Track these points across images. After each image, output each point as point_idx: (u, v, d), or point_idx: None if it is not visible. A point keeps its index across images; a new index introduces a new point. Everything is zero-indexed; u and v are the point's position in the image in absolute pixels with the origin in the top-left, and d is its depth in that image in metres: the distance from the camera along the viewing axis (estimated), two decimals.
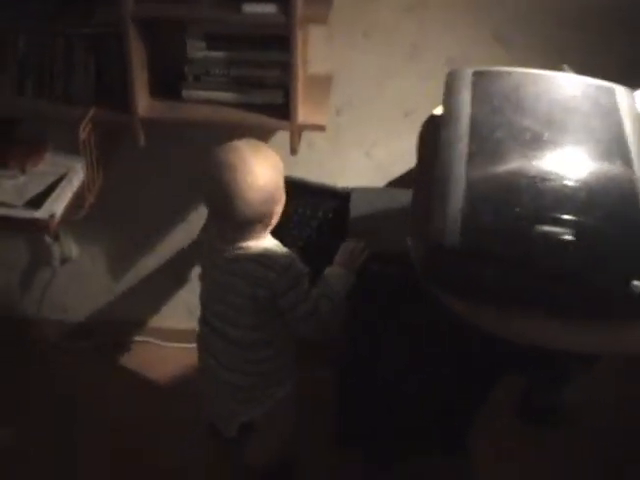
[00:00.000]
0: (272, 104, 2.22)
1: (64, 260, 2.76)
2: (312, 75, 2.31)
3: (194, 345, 2.26)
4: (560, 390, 2.20)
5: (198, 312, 2.21)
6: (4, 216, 2.19)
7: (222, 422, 2.31)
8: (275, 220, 2.03)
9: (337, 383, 2.52)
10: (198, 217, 2.60)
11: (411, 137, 2.38)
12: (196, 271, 2.70)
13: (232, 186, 1.88)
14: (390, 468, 2.52)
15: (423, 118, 2.35)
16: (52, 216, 2.20)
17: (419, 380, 2.34)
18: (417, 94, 2.37)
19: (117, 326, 2.94)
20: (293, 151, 2.23)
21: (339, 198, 2.41)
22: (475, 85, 1.79)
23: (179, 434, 2.62)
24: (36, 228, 2.21)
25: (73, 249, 2.74)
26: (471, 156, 1.58)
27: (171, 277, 2.83)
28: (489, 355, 2.11)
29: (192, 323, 2.25)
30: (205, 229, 2.18)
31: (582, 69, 1.95)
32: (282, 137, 2.32)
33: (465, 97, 1.74)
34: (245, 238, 1.99)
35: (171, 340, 2.88)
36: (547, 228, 1.43)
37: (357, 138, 2.47)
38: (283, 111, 2.20)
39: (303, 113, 2.17)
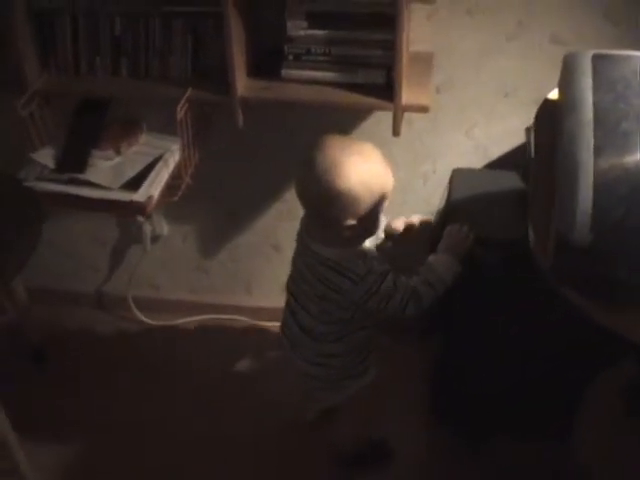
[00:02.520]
0: (374, 84, 2.16)
1: (155, 238, 2.75)
2: (413, 53, 2.23)
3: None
4: None
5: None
6: (102, 199, 2.17)
7: (303, 404, 2.35)
8: (365, 231, 1.91)
9: (435, 362, 2.51)
10: (293, 198, 2.55)
11: (511, 118, 2.35)
12: (286, 253, 2.69)
13: (317, 177, 1.78)
14: (481, 448, 2.48)
15: (524, 99, 2.32)
16: (150, 198, 2.17)
17: (522, 366, 2.29)
18: (518, 74, 2.29)
19: (206, 306, 2.92)
20: (396, 132, 2.17)
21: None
22: (595, 70, 1.70)
23: (270, 411, 2.60)
24: (134, 210, 2.18)
25: (165, 227, 2.71)
26: (598, 147, 1.50)
27: (262, 256, 2.78)
28: (602, 347, 2.03)
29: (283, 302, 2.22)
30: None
31: None
32: (382, 117, 2.27)
33: (586, 83, 1.66)
34: (329, 240, 1.90)
35: (263, 319, 2.85)
36: None
37: (457, 118, 2.40)
38: (385, 91, 2.13)
39: (406, 93, 2.11)
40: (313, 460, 2.47)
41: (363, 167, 1.78)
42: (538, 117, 1.84)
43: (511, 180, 2.35)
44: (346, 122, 2.39)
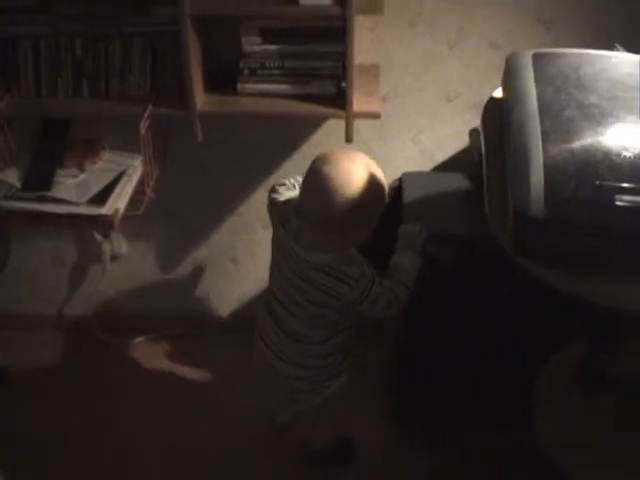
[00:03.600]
0: (326, 94, 2.28)
1: (114, 257, 2.81)
2: (360, 65, 2.36)
3: (245, 334, 2.30)
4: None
5: (246, 304, 2.24)
6: (70, 214, 2.24)
7: (275, 409, 2.39)
8: (361, 240, 1.99)
9: (396, 361, 2.59)
10: (249, 211, 2.66)
11: (455, 122, 2.49)
12: (244, 266, 2.79)
13: (332, 189, 1.85)
14: (446, 442, 2.58)
15: (466, 103, 2.46)
16: (117, 211, 2.25)
17: (479, 356, 2.40)
18: (460, 80, 2.44)
19: (167, 321, 2.98)
20: (348, 139, 2.29)
21: (391, 189, 2.47)
22: (536, 67, 1.85)
23: (236, 419, 2.66)
24: (101, 224, 2.26)
25: (124, 245, 2.78)
26: (545, 134, 1.64)
27: (220, 270, 2.87)
28: (552, 321, 2.18)
29: (243, 314, 2.29)
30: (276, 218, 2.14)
31: (630, 48, 2.02)
32: (333, 126, 2.40)
33: (529, 78, 1.80)
34: (326, 247, 1.96)
35: (225, 330, 2.92)
36: (628, 198, 1.49)
37: (403, 125, 2.53)
38: (337, 100, 2.26)
39: (357, 101, 2.23)
40: (285, 462, 2.55)
41: (372, 178, 1.89)
42: (485, 114, 1.97)
43: (458, 181, 2.49)
44: (299, 132, 2.51)
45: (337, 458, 2.56)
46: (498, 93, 1.97)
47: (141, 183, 2.37)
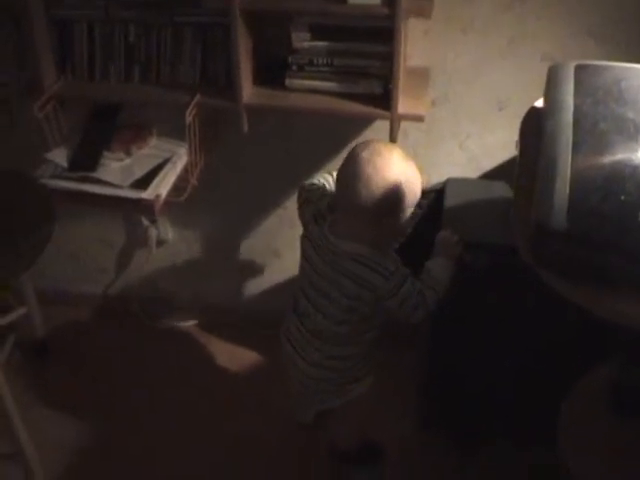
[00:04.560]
0: (372, 94, 2.28)
1: (160, 243, 2.86)
2: (410, 68, 2.36)
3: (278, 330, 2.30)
4: None
5: (286, 298, 2.28)
6: (112, 196, 2.28)
7: (299, 408, 2.37)
8: (396, 233, 2.06)
9: (423, 367, 2.57)
10: (292, 204, 2.66)
11: (504, 131, 2.46)
12: (286, 260, 2.82)
13: (369, 172, 1.89)
14: (474, 453, 2.55)
15: (517, 112, 2.39)
16: (158, 196, 2.29)
17: (512, 368, 2.37)
18: (511, 88, 2.41)
19: (208, 309, 3.02)
20: (393, 139, 2.29)
21: (434, 192, 2.46)
22: (577, 78, 1.82)
23: (263, 417, 2.68)
24: (142, 208, 2.29)
25: (170, 232, 2.82)
26: (576, 146, 1.61)
27: (263, 262, 2.90)
28: (585, 336, 2.16)
29: (282, 308, 2.31)
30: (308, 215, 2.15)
31: None
32: (380, 126, 2.37)
33: (568, 89, 1.78)
34: (362, 238, 1.98)
35: (262, 323, 2.90)
36: None
37: (451, 130, 2.51)
38: (383, 101, 2.25)
39: (403, 103, 2.22)
40: (310, 460, 2.56)
41: (408, 168, 1.93)
42: (524, 123, 1.95)
43: (502, 190, 2.46)
44: (345, 131, 2.50)
45: (361, 459, 2.54)
46: (539, 103, 1.95)
47: (185, 171, 2.40)
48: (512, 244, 2.18)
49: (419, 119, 2.26)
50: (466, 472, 2.51)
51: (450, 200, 2.42)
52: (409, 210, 1.98)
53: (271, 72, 2.33)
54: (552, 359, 2.32)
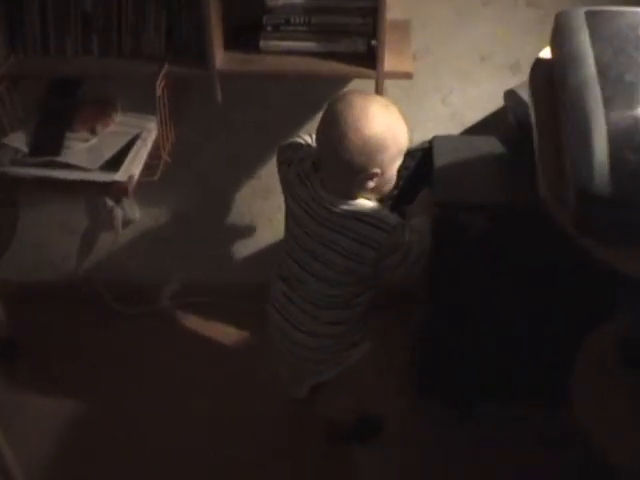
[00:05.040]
0: (355, 52, 2.13)
1: (126, 223, 2.69)
2: (390, 21, 2.18)
3: (262, 302, 2.21)
4: None
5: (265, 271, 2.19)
6: (82, 180, 2.10)
7: (291, 382, 2.28)
8: (385, 184, 1.94)
9: (421, 333, 2.48)
10: (269, 175, 2.52)
11: (489, 82, 2.35)
12: (262, 232, 2.68)
13: (346, 124, 1.82)
14: (468, 417, 2.48)
15: (501, 63, 2.32)
16: (131, 178, 2.12)
17: (510, 329, 2.31)
18: (494, 39, 2.29)
19: (184, 289, 2.87)
20: None
21: (421, 151, 2.36)
22: (590, 25, 1.69)
23: (252, 394, 2.57)
24: (114, 191, 2.13)
25: (136, 211, 2.65)
26: (607, 99, 1.49)
27: (237, 235, 2.76)
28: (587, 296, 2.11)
29: (262, 280, 2.22)
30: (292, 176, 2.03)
31: None
32: (357, 85, 2.24)
33: (584, 38, 1.65)
34: (352, 193, 1.91)
35: (244, 297, 2.76)
36: None
37: (433, 85, 2.39)
38: (367, 59, 2.11)
39: (388, 60, 2.08)
40: (307, 436, 2.46)
41: (390, 116, 1.85)
42: (533, 77, 1.82)
43: (491, 145, 2.36)
44: (325, 93, 2.34)
45: (360, 436, 2.45)
46: (546, 54, 1.81)
47: (156, 147, 2.23)
48: (509, 201, 2.14)
49: (407, 76, 2.13)
50: (465, 434, 2.45)
51: (439, 159, 2.31)
52: (397, 161, 1.91)
53: (243, 35, 2.17)
54: (553, 319, 2.26)
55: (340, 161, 1.85)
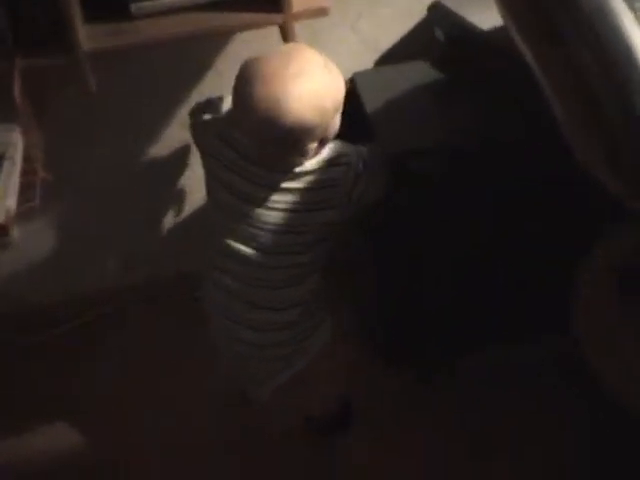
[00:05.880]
0: None
1: (3, 246, 2.22)
2: None
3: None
4: None
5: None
6: None
7: (250, 386, 1.98)
8: (330, 137, 1.68)
9: (373, 295, 2.23)
10: (162, 171, 2.16)
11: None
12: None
13: (271, 103, 1.55)
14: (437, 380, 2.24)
15: None
16: (8, 213, 1.66)
17: (471, 274, 2.06)
18: None
19: (85, 301, 2.44)
20: None
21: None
22: None
23: (200, 406, 2.24)
24: None
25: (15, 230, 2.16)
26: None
27: (135, 228, 2.34)
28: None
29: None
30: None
31: None
32: (248, 34, 1.88)
33: None
34: (296, 161, 1.65)
35: (157, 295, 2.42)
36: None
37: (339, 13, 1.98)
38: (268, 2, 1.70)
39: None
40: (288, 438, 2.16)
41: (310, 88, 1.57)
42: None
43: (421, 72, 2.05)
44: (210, 48, 1.96)
45: (338, 422, 2.17)
46: None
47: (27, 161, 1.75)
48: (460, 141, 1.87)
49: (322, 13, 1.73)
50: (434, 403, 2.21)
51: (368, 101, 1.96)
52: (338, 112, 1.66)
53: (106, 2, 1.68)
54: (519, 259, 2.05)
55: (274, 137, 1.59)
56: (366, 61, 2.11)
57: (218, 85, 2.03)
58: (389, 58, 2.12)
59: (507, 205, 1.93)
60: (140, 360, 2.35)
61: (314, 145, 1.63)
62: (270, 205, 1.67)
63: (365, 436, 2.15)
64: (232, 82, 1.94)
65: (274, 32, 1.80)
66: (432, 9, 1.93)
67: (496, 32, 1.83)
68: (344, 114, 1.71)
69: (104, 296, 2.41)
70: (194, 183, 2.20)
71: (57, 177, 1.91)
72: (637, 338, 1.77)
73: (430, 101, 1.96)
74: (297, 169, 1.65)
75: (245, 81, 1.58)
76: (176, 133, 2.10)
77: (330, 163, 1.67)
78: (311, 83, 1.56)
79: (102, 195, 2.18)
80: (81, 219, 2.23)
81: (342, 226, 1.75)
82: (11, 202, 1.67)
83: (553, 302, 2.00)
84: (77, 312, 2.41)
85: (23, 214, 1.75)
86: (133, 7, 1.68)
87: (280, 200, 1.67)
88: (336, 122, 1.66)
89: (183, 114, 2.06)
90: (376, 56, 2.12)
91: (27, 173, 1.76)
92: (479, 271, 2.06)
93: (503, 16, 1.39)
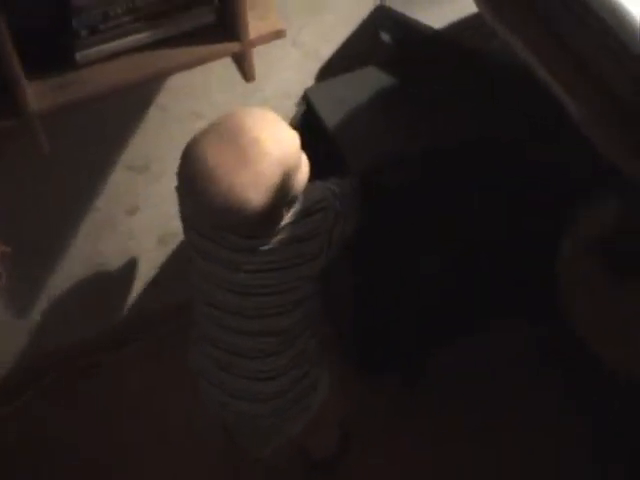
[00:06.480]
0: (202, 27, 1.61)
1: None
2: None
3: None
4: None
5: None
6: None
7: (251, 447, 1.92)
8: (299, 188, 1.54)
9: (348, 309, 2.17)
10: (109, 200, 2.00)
11: (338, 5, 1.93)
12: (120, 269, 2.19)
13: (228, 194, 1.42)
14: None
15: None
16: None
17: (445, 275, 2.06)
18: None
19: (51, 363, 2.29)
20: (250, 76, 1.66)
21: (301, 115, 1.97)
22: None
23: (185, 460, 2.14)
24: None
25: None
26: None
27: (92, 282, 2.20)
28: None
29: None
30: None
31: None
32: (220, 68, 1.79)
33: None
34: (269, 227, 1.54)
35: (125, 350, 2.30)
36: None
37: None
38: (219, 30, 1.61)
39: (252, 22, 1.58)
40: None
41: (264, 169, 1.42)
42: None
43: (373, 77, 2.00)
44: (159, 84, 1.84)
45: (338, 455, 2.12)
46: None
47: None
48: (424, 147, 1.84)
49: (280, 35, 1.64)
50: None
51: (327, 117, 1.88)
52: (299, 171, 1.52)
53: (47, 52, 1.55)
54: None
55: (236, 225, 1.50)
56: (310, 72, 2.04)
57: (161, 120, 1.93)
58: (333, 67, 2.05)
59: (473, 203, 1.93)
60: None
61: (283, 209, 1.54)
62: (249, 268, 1.57)
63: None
64: (176, 116, 1.87)
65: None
66: (377, 13, 1.87)
67: (449, 29, 1.79)
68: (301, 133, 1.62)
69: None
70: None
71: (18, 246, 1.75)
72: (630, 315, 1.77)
73: (386, 107, 1.93)
74: (272, 231, 1.56)
75: (193, 176, 1.43)
76: (118, 175, 1.99)
77: (306, 213, 1.57)
78: (263, 162, 1.42)
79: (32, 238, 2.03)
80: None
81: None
82: None
83: (521, 289, 2.01)
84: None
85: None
86: (79, 56, 1.55)
87: (260, 261, 1.56)
88: (301, 177, 1.53)
89: (129, 156, 1.94)
90: (319, 64, 2.05)
91: None
92: (449, 269, 2.05)
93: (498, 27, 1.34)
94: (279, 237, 1.54)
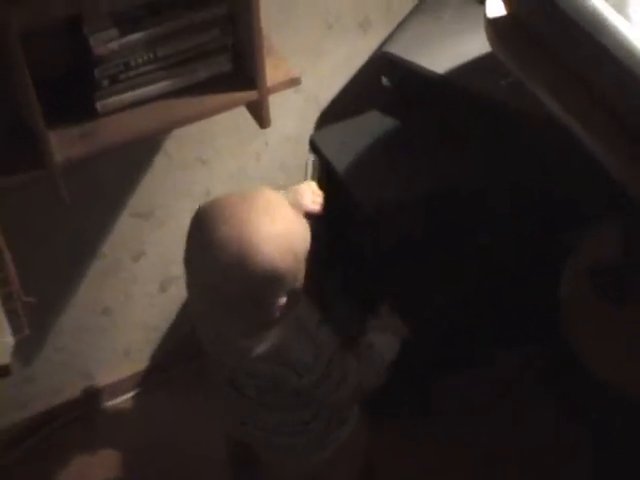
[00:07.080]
0: (219, 75, 1.64)
1: None
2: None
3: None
4: None
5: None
6: None
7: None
8: (301, 280, 1.47)
9: None
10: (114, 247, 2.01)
11: (338, 50, 2.01)
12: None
13: (233, 264, 1.36)
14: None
15: (348, 25, 1.99)
16: (6, 349, 1.51)
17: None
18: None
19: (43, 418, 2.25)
20: (265, 124, 1.68)
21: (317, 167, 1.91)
22: None
23: None
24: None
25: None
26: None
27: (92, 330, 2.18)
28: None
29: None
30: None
31: None
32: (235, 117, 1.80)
33: None
34: (257, 331, 1.48)
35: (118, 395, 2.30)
36: None
37: None
38: (236, 79, 1.64)
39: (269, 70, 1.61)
40: None
41: (279, 232, 1.37)
42: (500, 38, 1.45)
43: (377, 121, 2.02)
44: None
45: None
46: (493, 12, 1.46)
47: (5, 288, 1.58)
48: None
49: (296, 82, 1.67)
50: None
51: (337, 163, 1.89)
52: (304, 261, 1.44)
53: (68, 101, 1.56)
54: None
55: (234, 303, 1.42)
56: (309, 119, 2.08)
57: (167, 167, 1.94)
58: (333, 112, 2.08)
59: (478, 245, 1.95)
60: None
61: (283, 300, 1.43)
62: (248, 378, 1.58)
63: None
64: (181, 162, 1.88)
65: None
66: (378, 58, 1.92)
67: (454, 73, 1.84)
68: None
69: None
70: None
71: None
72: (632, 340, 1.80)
73: (393, 150, 1.95)
74: (259, 336, 1.49)
75: (203, 226, 1.39)
76: (123, 224, 2.00)
77: (279, 360, 1.52)
78: (280, 223, 1.38)
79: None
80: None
81: None
82: (8, 339, 1.51)
83: (523, 317, 2.05)
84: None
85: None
86: (99, 106, 1.56)
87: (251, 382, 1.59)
88: (302, 279, 1.46)
89: (135, 203, 1.95)
90: (319, 109, 2.09)
91: (7, 299, 1.59)
92: (457, 305, 2.06)
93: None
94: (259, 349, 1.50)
